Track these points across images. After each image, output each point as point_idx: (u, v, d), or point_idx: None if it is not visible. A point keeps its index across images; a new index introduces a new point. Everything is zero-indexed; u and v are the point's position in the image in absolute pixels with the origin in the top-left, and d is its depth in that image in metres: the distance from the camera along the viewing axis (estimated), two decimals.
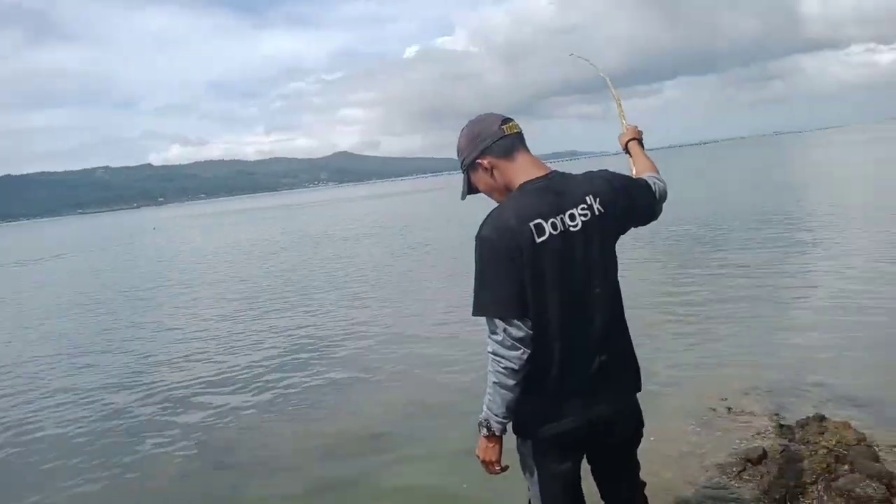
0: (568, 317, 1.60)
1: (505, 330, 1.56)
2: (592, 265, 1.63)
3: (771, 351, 4.78)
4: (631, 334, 1.78)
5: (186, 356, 7.01)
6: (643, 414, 1.82)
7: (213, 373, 6.19)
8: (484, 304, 1.59)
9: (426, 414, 4.52)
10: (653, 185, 1.88)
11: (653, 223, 1.88)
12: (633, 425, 1.81)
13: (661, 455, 3.27)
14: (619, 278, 1.74)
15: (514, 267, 1.55)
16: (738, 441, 3.34)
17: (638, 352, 1.79)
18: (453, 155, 1.82)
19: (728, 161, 50.72)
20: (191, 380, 6.03)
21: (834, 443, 2.99)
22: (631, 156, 2.17)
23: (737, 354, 4.81)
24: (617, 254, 1.74)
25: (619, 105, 2.32)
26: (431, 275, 11.22)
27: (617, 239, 1.76)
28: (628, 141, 2.19)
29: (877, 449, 2.97)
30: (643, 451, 1.89)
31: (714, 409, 3.79)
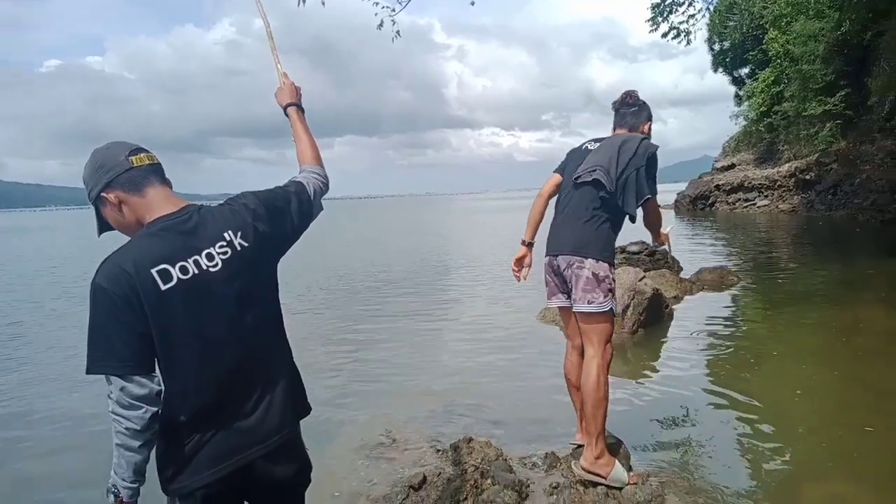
0: (208, 363, 1.48)
1: (122, 388, 1.37)
2: (239, 303, 1.54)
3: (427, 381, 5.25)
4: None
5: None
6: (312, 455, 1.75)
7: None
8: (97, 361, 1.38)
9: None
10: (307, 185, 1.79)
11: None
12: (296, 466, 1.69)
13: (331, 495, 3.24)
14: (280, 306, 1.68)
15: (132, 318, 1.38)
16: (401, 469, 3.51)
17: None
18: None
19: (394, 214, 56.03)
20: None
21: (479, 460, 3.38)
22: (291, 125, 1.97)
23: (397, 387, 5.15)
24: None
25: (274, 49, 2.05)
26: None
27: (277, 261, 1.69)
28: (287, 105, 1.99)
29: (510, 462, 3.44)
30: (313, 495, 1.80)
31: (381, 442, 3.93)
